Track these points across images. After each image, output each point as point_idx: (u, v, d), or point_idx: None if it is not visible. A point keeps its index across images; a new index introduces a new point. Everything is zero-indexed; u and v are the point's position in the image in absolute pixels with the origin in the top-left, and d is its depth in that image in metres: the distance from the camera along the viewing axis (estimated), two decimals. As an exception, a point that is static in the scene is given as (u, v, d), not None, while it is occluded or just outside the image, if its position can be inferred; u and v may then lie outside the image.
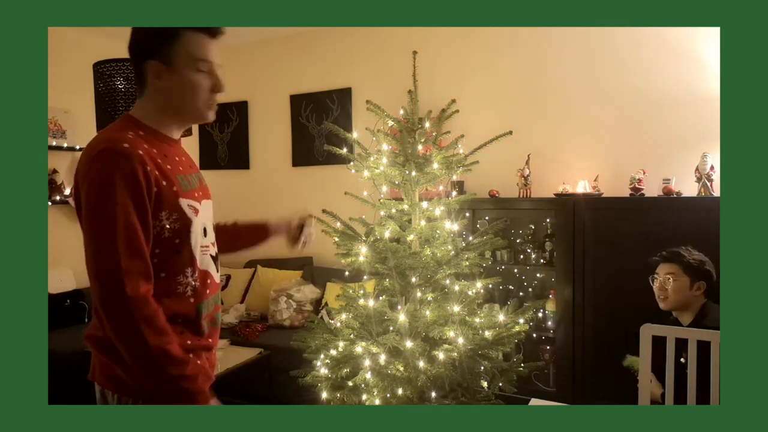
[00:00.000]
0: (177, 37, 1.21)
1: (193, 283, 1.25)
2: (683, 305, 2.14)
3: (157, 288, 1.17)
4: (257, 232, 1.60)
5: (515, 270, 3.24)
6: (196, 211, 1.25)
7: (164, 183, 1.17)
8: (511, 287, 3.28)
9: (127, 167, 1.11)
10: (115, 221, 1.08)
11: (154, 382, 1.13)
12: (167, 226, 1.18)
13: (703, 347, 1.83)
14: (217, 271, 1.37)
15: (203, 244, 1.29)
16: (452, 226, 2.15)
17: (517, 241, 3.26)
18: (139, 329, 1.08)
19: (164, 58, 1.21)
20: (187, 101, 1.24)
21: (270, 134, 4.46)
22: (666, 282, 2.15)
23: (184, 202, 1.22)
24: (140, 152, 1.14)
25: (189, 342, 1.24)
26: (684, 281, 2.11)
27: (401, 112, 2.22)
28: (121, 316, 1.08)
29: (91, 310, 1.25)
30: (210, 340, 1.32)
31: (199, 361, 1.25)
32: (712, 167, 2.70)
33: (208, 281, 1.31)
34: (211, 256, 1.34)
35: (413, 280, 2.07)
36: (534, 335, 3.08)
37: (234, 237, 1.57)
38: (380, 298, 2.20)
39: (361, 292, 2.25)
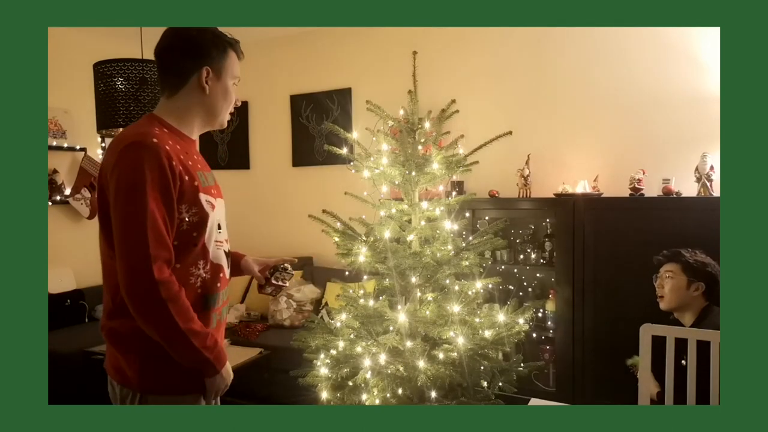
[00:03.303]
0: (227, 53, 1.37)
1: (204, 275, 1.31)
2: (681, 305, 2.13)
3: (177, 275, 1.24)
4: (233, 265, 1.54)
5: (515, 270, 3.24)
6: (213, 207, 1.33)
7: (186, 178, 1.25)
8: (511, 287, 3.28)
9: (156, 160, 1.19)
10: (145, 210, 1.16)
11: (181, 355, 1.23)
12: (186, 219, 1.26)
13: (703, 349, 1.82)
14: (228, 267, 1.42)
15: (218, 239, 1.36)
16: (452, 226, 2.15)
17: (517, 241, 3.26)
18: (167, 309, 1.17)
19: (216, 68, 1.35)
20: (221, 107, 1.39)
21: (270, 134, 4.46)
22: (664, 280, 2.15)
23: (203, 197, 1.29)
24: (167, 147, 1.23)
25: None
26: (681, 280, 2.10)
27: (401, 112, 2.22)
28: (150, 298, 1.16)
29: (107, 301, 1.31)
30: (217, 332, 1.37)
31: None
32: (711, 167, 2.70)
33: (221, 275, 1.37)
34: (225, 252, 1.40)
35: (413, 280, 2.07)
36: (534, 335, 3.08)
37: None
38: (380, 298, 2.20)
39: (361, 292, 2.25)
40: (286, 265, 1.61)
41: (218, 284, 1.35)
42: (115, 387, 1.31)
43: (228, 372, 1.33)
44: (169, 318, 1.17)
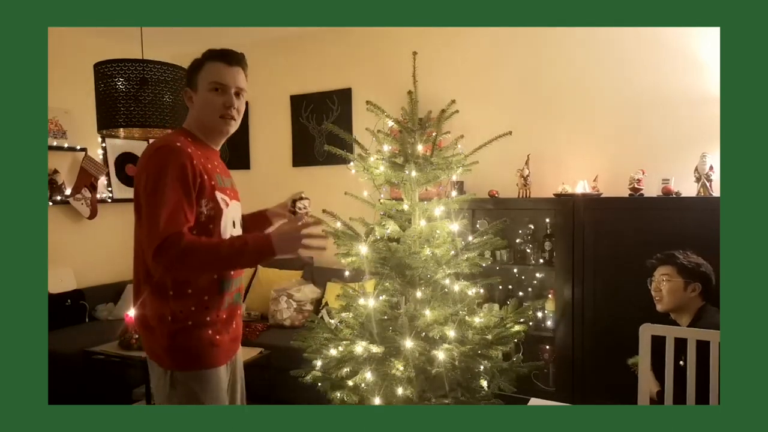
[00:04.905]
0: (201, 67, 1.53)
1: None
2: (679, 307, 2.14)
3: None
4: (259, 222, 1.81)
5: (515, 270, 3.24)
6: (227, 204, 1.53)
7: (205, 177, 1.45)
8: (510, 287, 3.28)
9: (178, 160, 1.39)
10: (164, 199, 1.35)
11: (234, 267, 1.47)
12: (204, 212, 1.45)
13: (701, 349, 1.83)
14: None
15: (233, 234, 1.56)
16: (452, 226, 2.15)
17: (517, 241, 3.26)
18: (193, 255, 1.34)
19: (193, 85, 1.55)
20: (206, 115, 1.53)
21: (270, 134, 4.46)
22: (660, 283, 2.17)
23: (219, 195, 1.49)
24: (189, 150, 1.44)
25: (209, 318, 1.47)
26: (678, 282, 2.12)
27: (401, 112, 2.22)
28: (175, 259, 1.32)
29: (133, 295, 1.51)
30: (230, 313, 1.55)
31: (218, 336, 1.49)
32: (711, 167, 2.71)
33: None
34: None
35: (413, 280, 2.07)
36: (534, 335, 3.08)
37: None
38: (380, 298, 2.20)
39: (361, 292, 2.25)
40: (301, 194, 1.80)
41: (231, 272, 1.53)
42: (152, 366, 1.48)
43: (278, 238, 1.41)
44: (198, 260, 1.35)
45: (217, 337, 1.48)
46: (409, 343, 1.98)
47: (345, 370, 2.08)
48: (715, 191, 2.73)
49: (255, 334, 3.51)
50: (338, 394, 2.12)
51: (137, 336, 2.96)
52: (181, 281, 1.43)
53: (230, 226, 1.55)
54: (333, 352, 2.16)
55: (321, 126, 4.16)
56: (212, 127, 1.55)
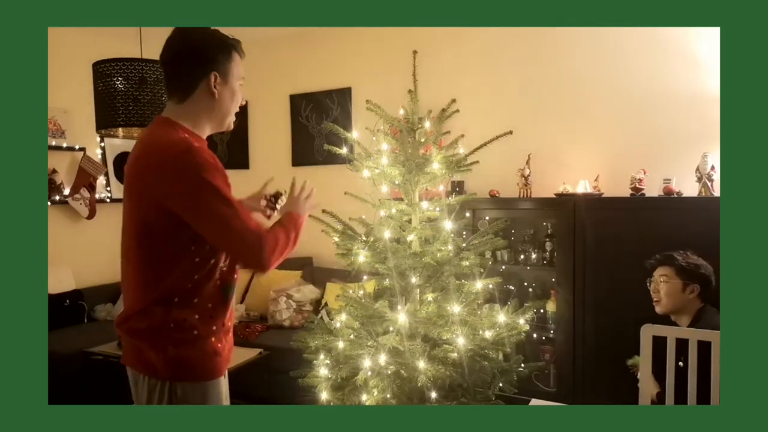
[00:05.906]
0: (231, 56, 1.41)
1: (224, 268, 1.41)
2: (677, 308, 2.14)
3: (207, 270, 1.36)
4: None
5: (515, 270, 3.23)
6: None
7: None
8: (511, 287, 3.27)
9: (212, 160, 1.29)
10: (229, 202, 1.28)
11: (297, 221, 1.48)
12: None
13: (701, 350, 1.82)
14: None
15: None
16: (452, 226, 2.15)
17: (518, 241, 3.26)
18: (280, 245, 1.37)
19: (223, 72, 1.39)
20: (230, 109, 1.44)
21: (270, 134, 4.46)
22: (659, 284, 2.16)
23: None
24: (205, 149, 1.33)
25: (214, 327, 1.38)
26: (676, 284, 2.11)
27: (401, 111, 2.22)
28: (271, 258, 1.34)
29: (132, 302, 1.37)
30: (230, 320, 1.48)
31: (219, 344, 1.40)
32: (712, 167, 2.70)
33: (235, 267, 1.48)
34: None
35: (413, 280, 2.07)
36: (534, 335, 3.07)
37: None
38: (380, 299, 2.20)
39: (361, 292, 2.24)
40: (279, 191, 1.78)
41: (234, 276, 1.45)
42: (139, 380, 1.35)
43: (296, 206, 1.54)
44: (285, 249, 1.39)
45: (219, 345, 1.40)
46: (409, 344, 1.98)
47: (345, 370, 2.08)
48: (717, 191, 2.73)
49: (254, 334, 3.50)
50: (338, 395, 2.12)
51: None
52: (186, 288, 1.33)
53: None
54: (333, 352, 2.16)
55: (321, 125, 4.16)
56: (224, 122, 1.46)
